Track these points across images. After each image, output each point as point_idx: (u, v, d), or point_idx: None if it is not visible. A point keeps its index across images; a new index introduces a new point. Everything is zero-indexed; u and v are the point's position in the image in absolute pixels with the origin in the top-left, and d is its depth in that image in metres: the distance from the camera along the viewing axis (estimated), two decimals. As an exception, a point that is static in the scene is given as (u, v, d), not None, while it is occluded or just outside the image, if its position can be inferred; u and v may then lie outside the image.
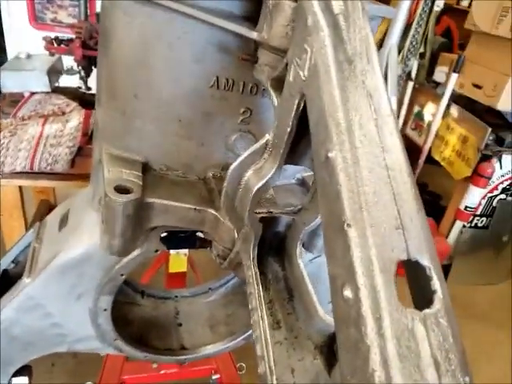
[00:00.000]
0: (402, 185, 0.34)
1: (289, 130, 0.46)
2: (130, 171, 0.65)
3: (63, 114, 1.66)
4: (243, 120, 0.68)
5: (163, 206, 0.64)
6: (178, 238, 0.74)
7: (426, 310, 0.29)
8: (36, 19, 3.33)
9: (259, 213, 0.56)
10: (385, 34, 2.72)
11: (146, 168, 0.68)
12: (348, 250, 0.31)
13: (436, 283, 0.31)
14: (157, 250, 0.73)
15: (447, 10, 3.16)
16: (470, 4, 4.27)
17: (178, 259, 1.56)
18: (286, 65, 0.47)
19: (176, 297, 1.05)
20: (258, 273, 0.53)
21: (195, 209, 0.65)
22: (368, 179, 0.33)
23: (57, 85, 1.86)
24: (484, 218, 2.77)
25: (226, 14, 0.56)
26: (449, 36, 3.54)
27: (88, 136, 1.59)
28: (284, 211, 0.58)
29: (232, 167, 0.54)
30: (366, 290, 0.29)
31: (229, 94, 0.64)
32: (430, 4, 2.68)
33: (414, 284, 0.33)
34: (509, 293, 2.90)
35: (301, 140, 0.49)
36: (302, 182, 0.77)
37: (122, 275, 0.75)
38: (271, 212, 0.57)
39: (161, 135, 0.67)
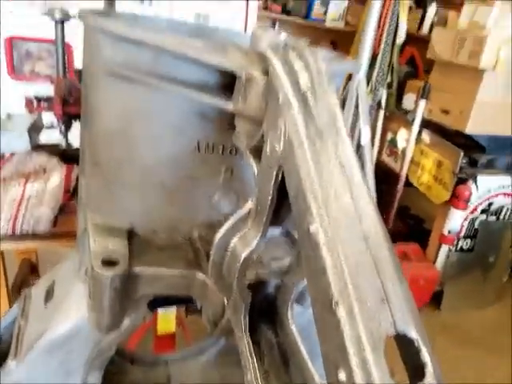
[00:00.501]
0: (381, 255, 0.36)
1: (270, 198, 0.47)
2: (116, 240, 0.65)
3: (44, 171, 1.65)
4: (225, 179, 0.70)
5: (150, 275, 0.64)
6: (165, 298, 0.73)
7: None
8: (14, 71, 3.36)
9: (247, 278, 0.56)
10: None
11: (131, 234, 0.69)
12: (338, 329, 0.31)
13: (425, 356, 0.32)
14: (144, 318, 0.72)
15: (409, 39, 3.33)
16: (430, 31, 4.54)
17: (166, 319, 1.50)
18: (263, 135, 0.49)
19: (166, 362, 1.01)
20: (251, 343, 0.53)
21: (182, 274, 0.65)
22: (349, 252, 0.35)
23: (37, 142, 1.87)
24: (468, 240, 2.82)
25: (202, 84, 0.59)
26: (413, 64, 3.72)
27: (70, 193, 1.58)
28: (272, 273, 0.59)
29: (218, 236, 0.55)
30: (359, 372, 0.29)
31: (210, 156, 0.66)
32: (392, 36, 2.82)
33: (405, 356, 0.34)
34: (501, 315, 2.91)
35: (282, 205, 0.50)
36: (287, 233, 0.79)
37: (111, 348, 0.73)
38: (259, 276, 0.58)
39: (145, 201, 0.68)
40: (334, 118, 0.43)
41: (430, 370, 0.31)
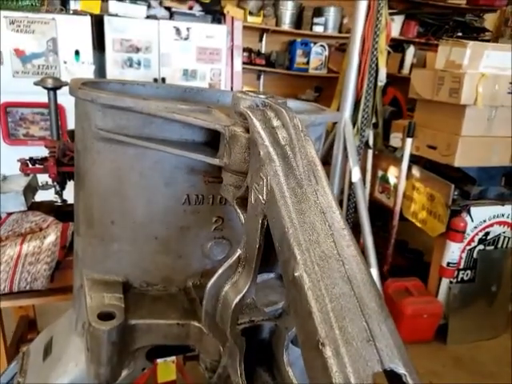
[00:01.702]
0: (365, 295, 0.37)
1: (257, 246, 0.49)
2: (112, 294, 0.66)
3: (40, 230, 1.67)
4: (216, 228, 0.72)
5: (146, 326, 0.65)
6: (164, 347, 0.73)
7: None
8: (9, 136, 3.45)
9: (241, 323, 0.57)
10: (338, 109, 2.95)
11: (126, 287, 0.70)
12: (326, 369, 0.33)
13: None
14: (144, 369, 0.72)
15: (391, 80, 3.47)
16: (410, 71, 4.75)
17: (166, 367, 1.48)
18: (247, 187, 0.52)
19: None
20: None
21: (178, 324, 0.66)
22: (334, 294, 0.36)
23: (32, 200, 1.89)
24: (469, 271, 2.80)
25: (189, 143, 0.62)
26: (397, 104, 3.86)
27: (66, 249, 1.59)
28: (266, 317, 0.59)
29: (209, 285, 0.56)
30: None
31: (200, 207, 0.69)
32: (373, 80, 2.94)
33: None
34: (509, 345, 2.84)
35: (271, 251, 0.52)
36: (280, 276, 0.80)
37: None
38: (253, 321, 0.58)
39: (139, 254, 0.69)
40: (313, 167, 0.46)
41: None
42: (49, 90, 1.67)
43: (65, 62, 3.22)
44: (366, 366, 0.33)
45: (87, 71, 3.21)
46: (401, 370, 0.33)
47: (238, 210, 0.55)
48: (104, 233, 0.68)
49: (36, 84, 1.67)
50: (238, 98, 0.56)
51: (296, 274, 0.38)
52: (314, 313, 0.35)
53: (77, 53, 3.18)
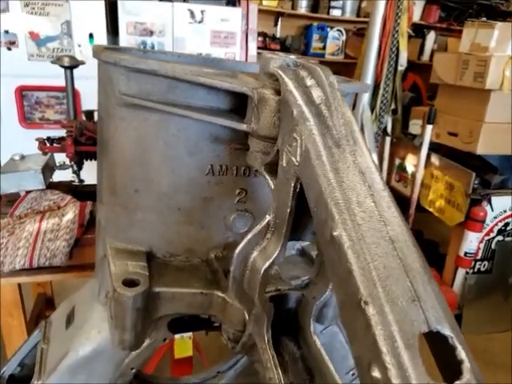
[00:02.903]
0: (409, 256, 0.35)
1: (289, 210, 0.48)
2: (136, 262, 0.66)
3: (59, 208, 1.68)
4: (239, 200, 0.70)
5: (170, 294, 0.65)
6: (185, 322, 0.73)
7: (457, 382, 0.29)
8: (25, 120, 3.48)
9: (268, 292, 0.56)
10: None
11: (149, 257, 0.70)
12: (369, 329, 0.31)
13: (461, 352, 0.31)
14: (165, 339, 0.72)
15: (411, 66, 3.39)
16: (430, 58, 4.63)
17: (183, 343, 1.50)
18: (277, 151, 0.50)
19: None
20: (276, 356, 0.52)
21: (202, 293, 0.66)
22: (376, 254, 0.35)
23: (50, 180, 1.91)
24: (486, 262, 2.75)
25: (214, 109, 0.61)
26: (416, 90, 3.77)
27: (84, 227, 1.60)
28: (292, 287, 0.58)
29: (236, 251, 0.55)
30: (394, 369, 0.29)
31: (224, 178, 0.67)
32: (393, 65, 2.88)
33: (439, 355, 0.33)
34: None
35: (300, 217, 0.51)
36: (303, 252, 0.78)
37: (132, 369, 0.73)
38: (279, 289, 0.57)
39: (162, 224, 0.69)
40: (350, 127, 0.44)
41: (467, 367, 0.30)
42: (66, 68, 1.67)
43: (79, 46, 3.21)
44: (411, 325, 0.31)
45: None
46: (447, 332, 0.32)
47: (267, 177, 0.54)
48: (127, 201, 0.67)
49: (53, 63, 1.67)
50: (268, 59, 0.53)
51: (335, 234, 0.37)
52: (354, 271, 0.34)
53: (91, 36, 3.18)
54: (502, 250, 2.73)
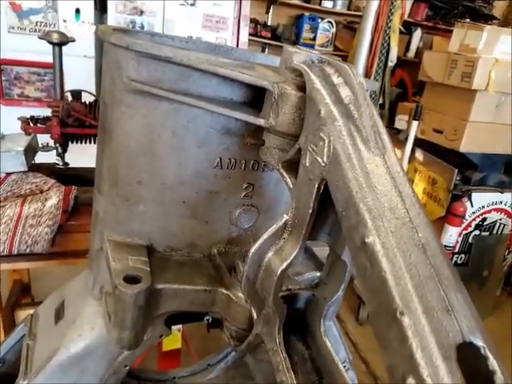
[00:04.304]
0: (440, 264, 0.35)
1: (310, 211, 0.46)
2: (136, 257, 0.63)
3: (41, 192, 1.62)
4: (246, 195, 0.69)
5: (173, 291, 0.62)
6: (179, 315, 0.71)
7: None
8: (3, 95, 3.33)
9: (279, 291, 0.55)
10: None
11: (150, 251, 0.67)
12: (405, 340, 0.30)
13: (493, 362, 0.31)
14: (161, 335, 0.70)
15: (399, 62, 3.42)
16: (416, 55, 4.67)
17: (172, 335, 1.48)
18: (299, 149, 0.49)
19: (174, 378, 0.99)
20: (288, 358, 0.51)
21: (205, 289, 0.64)
22: (410, 263, 0.34)
23: (32, 162, 1.83)
24: (463, 255, 2.84)
25: (227, 101, 0.58)
26: (403, 86, 3.81)
27: (68, 213, 1.55)
28: (303, 287, 0.57)
29: (252, 250, 0.53)
30: (432, 383, 0.28)
31: (231, 172, 0.65)
32: (384, 60, 2.89)
33: (469, 366, 0.33)
34: (501, 327, 2.91)
35: (318, 218, 0.49)
36: (305, 250, 0.77)
37: (125, 366, 0.71)
38: (290, 289, 0.56)
39: (165, 218, 0.66)
40: (378, 130, 0.43)
41: (500, 376, 0.29)
42: (54, 45, 1.58)
43: (64, 21, 3.08)
44: (447, 337, 0.31)
45: (88, 32, 3.08)
46: (480, 343, 0.31)
47: (285, 174, 0.52)
48: (129, 193, 0.64)
49: (40, 38, 1.59)
50: (291, 53, 0.51)
51: (367, 241, 0.35)
52: (389, 280, 0.33)
53: (77, 11, 3.04)
54: (478, 244, 2.83)
